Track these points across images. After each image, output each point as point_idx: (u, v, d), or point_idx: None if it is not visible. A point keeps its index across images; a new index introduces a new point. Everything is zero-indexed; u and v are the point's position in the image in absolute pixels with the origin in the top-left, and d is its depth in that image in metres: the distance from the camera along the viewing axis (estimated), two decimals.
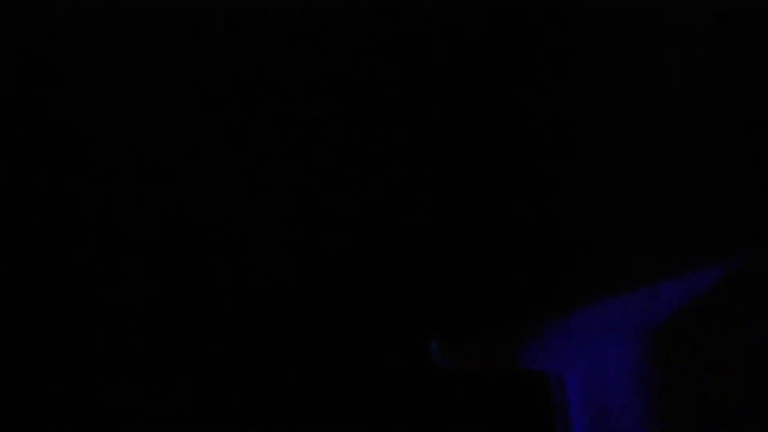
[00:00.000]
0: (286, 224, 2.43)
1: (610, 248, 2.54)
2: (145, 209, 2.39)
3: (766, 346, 2.65)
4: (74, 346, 2.36)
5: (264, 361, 2.42)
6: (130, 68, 2.41)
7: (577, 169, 2.53)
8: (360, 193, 2.44)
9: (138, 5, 2.39)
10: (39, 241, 2.36)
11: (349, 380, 2.43)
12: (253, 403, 2.39)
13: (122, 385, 2.35)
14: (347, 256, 2.45)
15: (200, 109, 2.43)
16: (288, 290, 2.43)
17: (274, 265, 2.44)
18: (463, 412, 2.59)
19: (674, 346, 2.68)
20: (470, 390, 2.62)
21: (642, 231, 2.54)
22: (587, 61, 2.49)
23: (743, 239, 2.54)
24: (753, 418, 2.66)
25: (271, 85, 2.45)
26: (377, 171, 2.45)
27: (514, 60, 2.47)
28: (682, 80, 2.49)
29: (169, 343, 2.38)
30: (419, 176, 2.47)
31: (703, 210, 2.53)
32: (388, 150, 2.48)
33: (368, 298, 2.47)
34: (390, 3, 2.43)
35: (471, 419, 2.59)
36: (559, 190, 2.53)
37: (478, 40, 2.47)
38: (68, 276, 2.38)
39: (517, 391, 2.71)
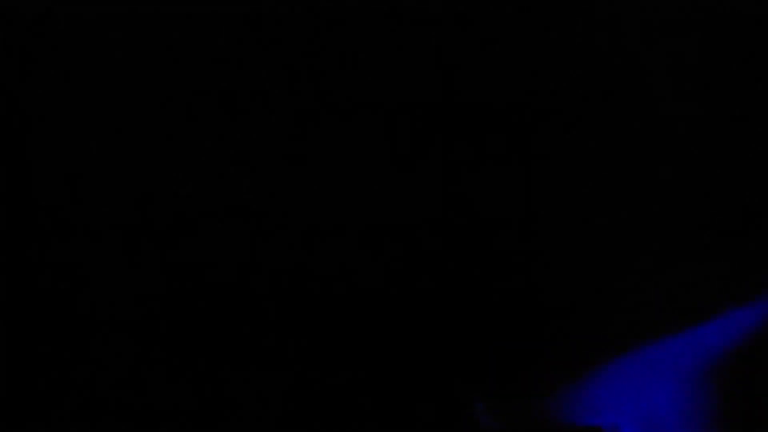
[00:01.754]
0: (295, 237, 2.43)
1: (656, 288, 2.50)
2: (145, 209, 2.40)
3: None
4: (73, 346, 2.36)
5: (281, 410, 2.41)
6: (128, 67, 2.42)
7: (618, 211, 2.51)
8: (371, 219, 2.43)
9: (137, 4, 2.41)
10: (32, 241, 2.38)
11: None
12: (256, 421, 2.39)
13: (122, 385, 2.34)
14: (383, 309, 2.45)
15: (199, 106, 2.44)
16: (298, 312, 2.43)
17: (281, 280, 2.45)
18: None
19: (730, 386, 2.62)
20: None
21: (684, 269, 2.50)
22: (594, 62, 2.47)
23: None
24: None
25: (270, 85, 2.46)
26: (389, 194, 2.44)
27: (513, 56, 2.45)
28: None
29: (168, 343, 2.38)
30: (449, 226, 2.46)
31: (745, 242, 2.49)
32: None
33: (408, 356, 2.46)
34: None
35: None
36: (595, 240, 2.50)
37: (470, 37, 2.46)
38: (63, 276, 2.39)
39: None
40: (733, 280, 2.51)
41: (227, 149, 2.43)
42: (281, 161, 2.44)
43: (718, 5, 2.44)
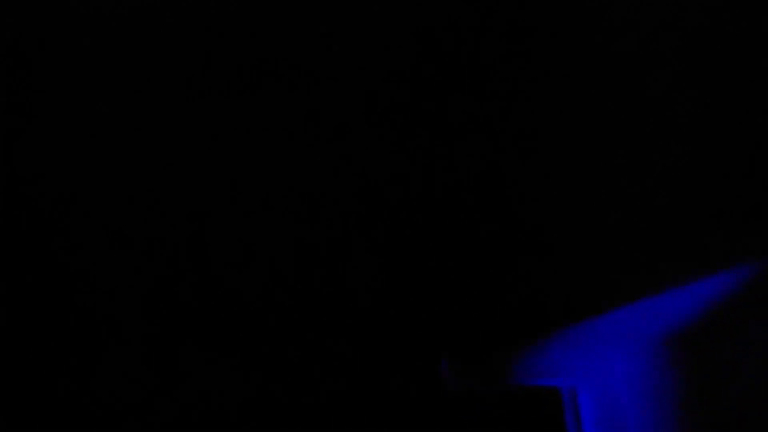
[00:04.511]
0: (288, 233, 2.43)
1: (616, 257, 2.54)
2: (143, 209, 2.39)
3: None
4: (72, 346, 2.35)
5: (265, 379, 2.41)
6: (127, 66, 2.41)
7: (579, 176, 2.53)
8: (365, 205, 2.44)
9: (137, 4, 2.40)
10: (31, 241, 2.37)
11: (356, 402, 2.42)
12: (257, 423, 2.39)
13: (120, 385, 2.34)
14: (352, 272, 2.45)
15: (198, 106, 2.43)
16: (290, 305, 2.42)
17: (276, 276, 2.44)
18: (476, 430, 2.58)
19: (686, 355, 2.68)
20: (482, 409, 2.61)
21: (649, 238, 2.54)
22: (589, 60, 2.50)
23: (753, 246, 2.53)
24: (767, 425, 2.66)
25: (269, 84, 2.46)
26: (380, 180, 2.45)
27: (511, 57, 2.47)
28: (690, 84, 2.50)
29: (167, 344, 2.38)
30: (420, 185, 2.47)
31: (710, 216, 2.53)
32: (394, 157, 2.48)
33: (374, 317, 2.47)
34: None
35: None
36: (563, 201, 2.53)
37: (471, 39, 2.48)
38: (61, 276, 2.38)
39: (530, 407, 2.70)
40: (696, 251, 2.57)
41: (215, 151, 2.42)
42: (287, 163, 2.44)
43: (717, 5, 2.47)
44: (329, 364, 2.42)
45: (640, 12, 2.49)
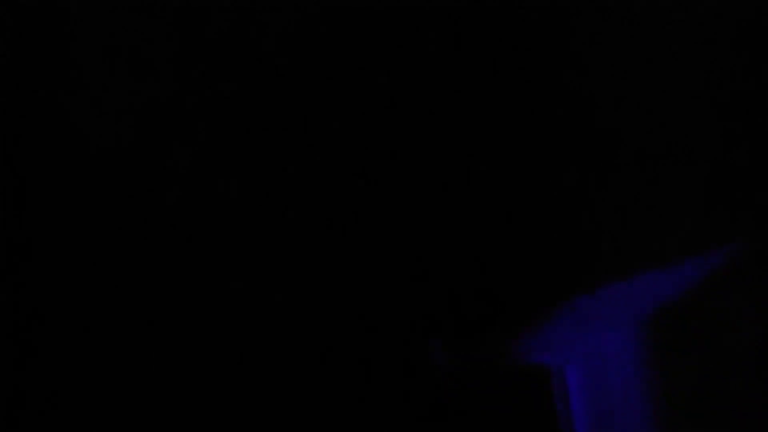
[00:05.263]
0: (281, 218, 2.43)
1: (606, 237, 2.55)
2: (142, 209, 2.39)
3: (766, 333, 2.67)
4: (72, 346, 2.36)
5: (259, 356, 2.42)
6: (126, 66, 2.41)
7: (566, 157, 2.54)
8: (355, 188, 2.45)
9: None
10: (33, 240, 2.37)
11: (347, 380, 2.43)
12: (249, 401, 2.39)
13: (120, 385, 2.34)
14: (343, 252, 2.45)
15: (197, 105, 2.43)
16: (282, 286, 2.43)
17: (268, 259, 2.44)
18: (465, 409, 2.59)
19: (674, 335, 2.70)
20: (471, 387, 2.62)
21: (636, 219, 2.55)
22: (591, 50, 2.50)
23: (741, 227, 2.55)
24: (754, 405, 2.68)
25: (269, 85, 2.46)
26: (371, 164, 2.45)
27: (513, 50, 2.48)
28: (678, 69, 2.51)
29: (167, 344, 2.38)
30: (411, 168, 2.47)
31: (699, 197, 2.54)
32: (379, 142, 2.49)
33: (365, 296, 2.47)
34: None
35: (473, 416, 2.59)
36: (551, 181, 2.54)
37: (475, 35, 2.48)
38: (61, 277, 2.38)
39: (518, 385, 2.72)
40: (682, 232, 2.58)
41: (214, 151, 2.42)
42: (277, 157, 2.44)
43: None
44: (318, 345, 2.43)
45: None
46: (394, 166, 2.43)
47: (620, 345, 2.66)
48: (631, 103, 2.51)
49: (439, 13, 2.46)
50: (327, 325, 2.42)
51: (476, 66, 2.46)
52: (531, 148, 2.51)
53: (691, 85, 2.52)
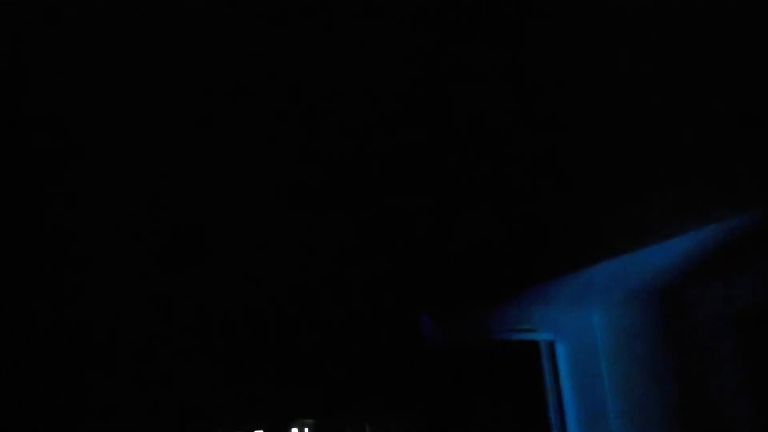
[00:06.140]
0: (276, 203, 2.45)
1: (595, 214, 2.57)
2: (142, 210, 2.41)
3: (752, 307, 2.70)
4: (71, 346, 2.38)
5: (255, 336, 2.45)
6: (126, 68, 2.42)
7: (561, 137, 2.55)
8: (347, 174, 2.47)
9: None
10: (32, 243, 2.39)
11: (341, 356, 2.47)
12: (245, 377, 2.42)
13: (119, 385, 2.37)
14: (335, 235, 2.48)
15: (198, 110, 2.44)
16: (277, 270, 2.46)
17: (263, 245, 2.47)
18: (456, 383, 2.64)
19: (660, 308, 2.73)
20: (463, 361, 2.67)
21: (627, 196, 2.57)
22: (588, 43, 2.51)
23: (729, 203, 2.57)
24: (741, 380, 2.72)
25: (269, 87, 2.47)
26: (365, 156, 2.47)
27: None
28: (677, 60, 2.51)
29: (166, 344, 2.41)
30: (400, 152, 2.49)
31: (687, 175, 2.56)
32: (370, 134, 2.50)
33: (358, 276, 2.50)
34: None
35: (464, 390, 2.64)
36: (545, 158, 2.55)
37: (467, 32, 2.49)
38: (61, 278, 2.40)
39: (509, 359, 2.77)
40: (672, 209, 2.61)
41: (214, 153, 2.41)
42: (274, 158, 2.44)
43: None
44: (312, 317, 2.46)
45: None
46: (389, 157, 2.45)
47: (609, 319, 2.70)
48: (635, 74, 2.52)
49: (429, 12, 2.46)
50: (322, 303, 2.46)
51: (471, 61, 2.47)
52: (524, 127, 2.52)
53: (696, 58, 2.53)
